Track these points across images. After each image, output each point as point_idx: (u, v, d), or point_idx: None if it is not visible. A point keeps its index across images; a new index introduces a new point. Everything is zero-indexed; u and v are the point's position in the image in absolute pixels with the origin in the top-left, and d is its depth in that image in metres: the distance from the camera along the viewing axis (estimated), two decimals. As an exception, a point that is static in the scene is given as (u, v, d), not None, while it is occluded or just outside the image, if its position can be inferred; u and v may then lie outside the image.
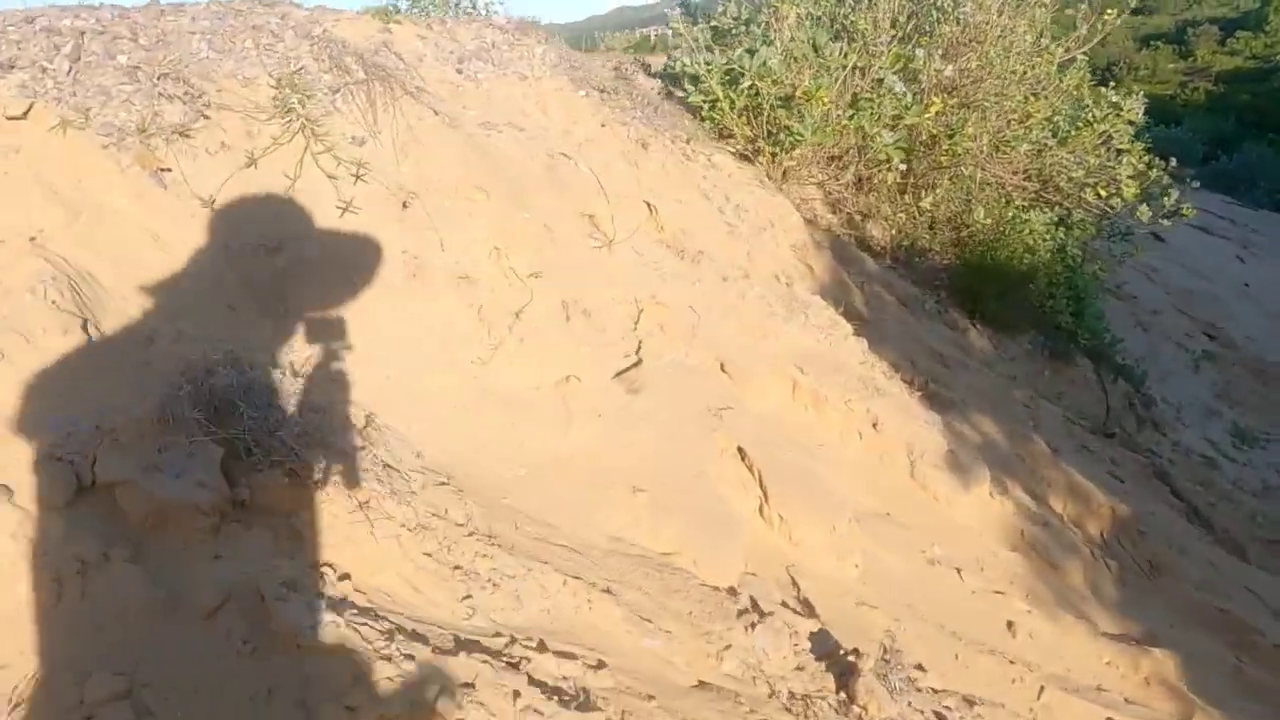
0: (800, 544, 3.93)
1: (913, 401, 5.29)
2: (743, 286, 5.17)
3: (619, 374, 3.86)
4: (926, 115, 7.47)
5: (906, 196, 7.81)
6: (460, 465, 3.13)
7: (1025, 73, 8.02)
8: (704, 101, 6.96)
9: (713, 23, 8.03)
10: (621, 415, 3.66)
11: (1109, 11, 8.61)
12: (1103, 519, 5.28)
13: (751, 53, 7.12)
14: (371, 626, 2.24)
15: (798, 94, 6.74)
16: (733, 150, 7.18)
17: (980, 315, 7.35)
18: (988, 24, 7.81)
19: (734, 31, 7.81)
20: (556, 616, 2.66)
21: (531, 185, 3.89)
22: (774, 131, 7.03)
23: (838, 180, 7.69)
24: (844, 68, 6.93)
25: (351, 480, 2.44)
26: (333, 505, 2.39)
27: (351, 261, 3.18)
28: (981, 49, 7.66)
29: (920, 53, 7.55)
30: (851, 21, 7.69)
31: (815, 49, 7.12)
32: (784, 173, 7.06)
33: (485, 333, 3.46)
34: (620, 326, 4.04)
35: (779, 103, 6.87)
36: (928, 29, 7.86)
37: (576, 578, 2.81)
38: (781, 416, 4.81)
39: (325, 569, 2.36)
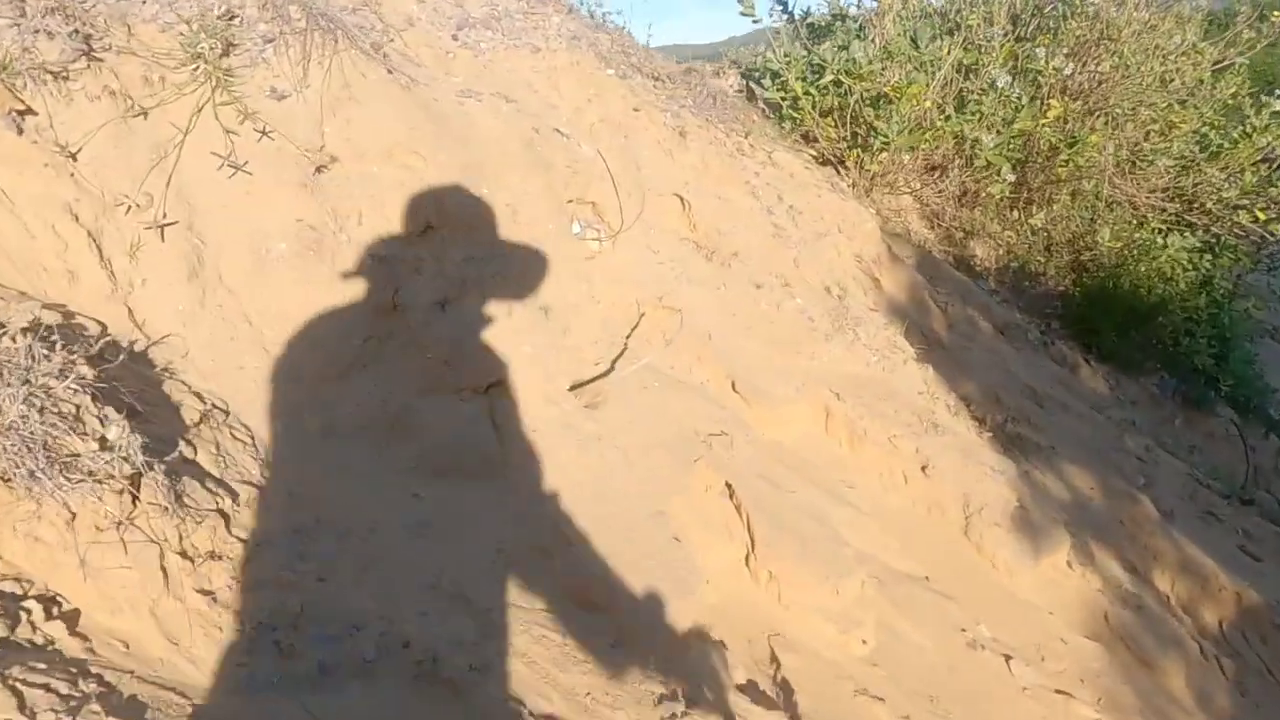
0: (791, 607, 3.04)
1: (980, 443, 4.24)
2: (779, 296, 4.26)
3: (577, 386, 3.04)
4: (1043, 121, 6.29)
5: (1016, 213, 6.63)
6: (320, 488, 2.38)
7: (1170, 78, 6.67)
8: (782, 99, 6.03)
9: (808, 19, 7.08)
10: (567, 435, 2.87)
11: (1275, 13, 7.17)
12: (1224, 606, 4.06)
13: (843, 48, 6.13)
14: (53, 689, 1.52)
15: (887, 91, 5.71)
16: (814, 153, 6.22)
17: (1097, 350, 6.12)
18: (1125, 21, 6.53)
19: (831, 28, 6.85)
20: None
21: (500, 162, 3.16)
22: (860, 134, 6.03)
23: (937, 191, 6.59)
24: (944, 64, 5.84)
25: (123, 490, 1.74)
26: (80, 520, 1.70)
27: (225, 230, 2.48)
28: (1115, 48, 6.40)
29: (1040, 51, 6.38)
30: (962, 16, 6.58)
31: (915, 43, 6.06)
32: (871, 179, 6.04)
33: (396, 324, 2.70)
34: (596, 330, 3.25)
35: (867, 102, 5.87)
36: (1051, 25, 6.67)
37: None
38: (804, 450, 3.87)
39: (42, 602, 1.66)
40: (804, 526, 3.33)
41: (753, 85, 6.51)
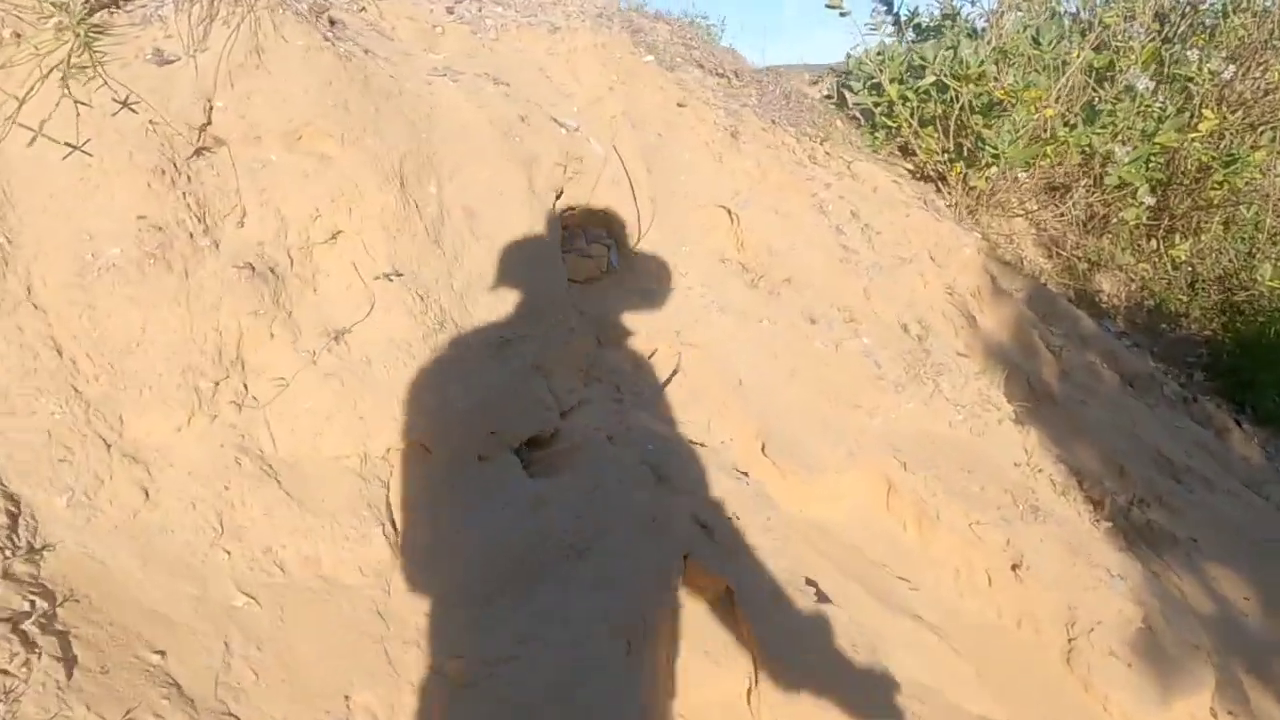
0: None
1: (1094, 534, 3.13)
2: (839, 333, 3.25)
3: (521, 447, 2.14)
4: (1193, 135, 5.03)
5: (1154, 242, 5.38)
6: (94, 578, 1.58)
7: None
8: (875, 104, 5.00)
9: (915, 20, 6.00)
10: (495, 515, 1.95)
11: None
12: None
13: (951, 47, 5.06)
14: None
15: (999, 96, 4.61)
16: (910, 167, 5.14)
17: (1252, 410, 4.83)
18: (1301, 19, 5.22)
19: (941, 28, 5.76)
20: None
21: (462, 154, 2.31)
22: (967, 146, 4.93)
23: (1058, 214, 5.40)
24: (1072, 65, 4.70)
25: None
26: None
27: (45, 227, 1.72)
28: (1287, 51, 5.10)
29: (1193, 54, 5.13)
30: (1097, 14, 5.39)
31: (1036, 42, 4.93)
32: (977, 198, 4.93)
33: (271, 355, 1.87)
34: (577, 370, 2.32)
35: (976, 109, 4.78)
36: (1206, 24, 5.39)
37: None
38: (853, 535, 2.89)
39: None
40: (834, 647, 2.31)
41: (844, 90, 5.47)
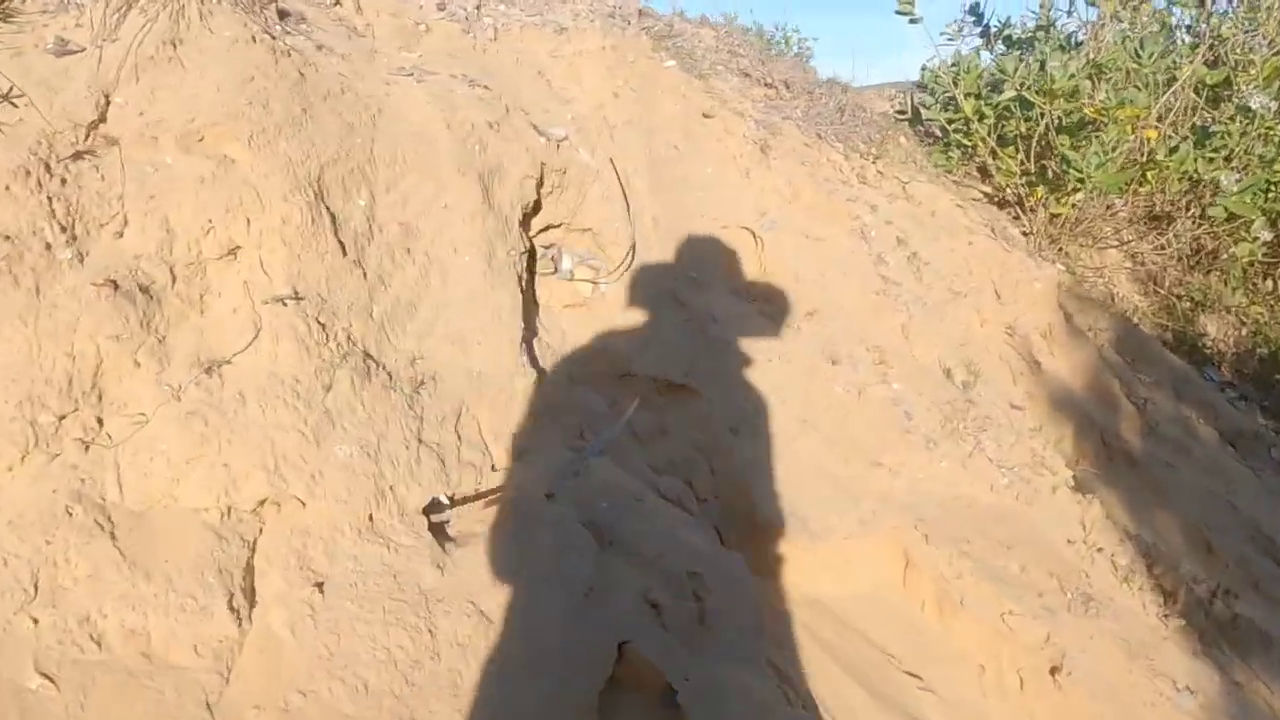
0: None
1: (1162, 634, 2.58)
2: (865, 376, 2.75)
3: (433, 508, 1.74)
4: (1322, 161, 4.27)
5: (1270, 282, 4.59)
6: None
7: None
8: (949, 121, 4.42)
9: (1005, 32, 5.36)
10: (380, 594, 1.55)
11: None
12: None
13: (1039, 61, 4.45)
14: None
15: (1089, 113, 3.98)
16: (987, 190, 4.54)
17: (1384, 482, 4.01)
18: None
19: (1034, 39, 5.12)
20: None
21: (407, 162, 1.96)
22: (1051, 168, 4.31)
23: (1157, 247, 4.68)
24: (1181, 80, 4.02)
25: None
26: None
27: None
28: None
29: (1333, 69, 4.36)
30: (1212, 26, 4.66)
31: (1137, 56, 4.26)
32: (1061, 226, 4.29)
33: (134, 387, 1.54)
34: (530, 417, 1.93)
35: (1063, 127, 4.15)
36: (1346, 34, 4.59)
37: None
38: (860, 617, 2.39)
39: None
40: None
41: (918, 106, 4.89)
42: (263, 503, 1.74)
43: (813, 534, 2.47)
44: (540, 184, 2.48)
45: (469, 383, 2.07)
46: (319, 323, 1.86)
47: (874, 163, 3.86)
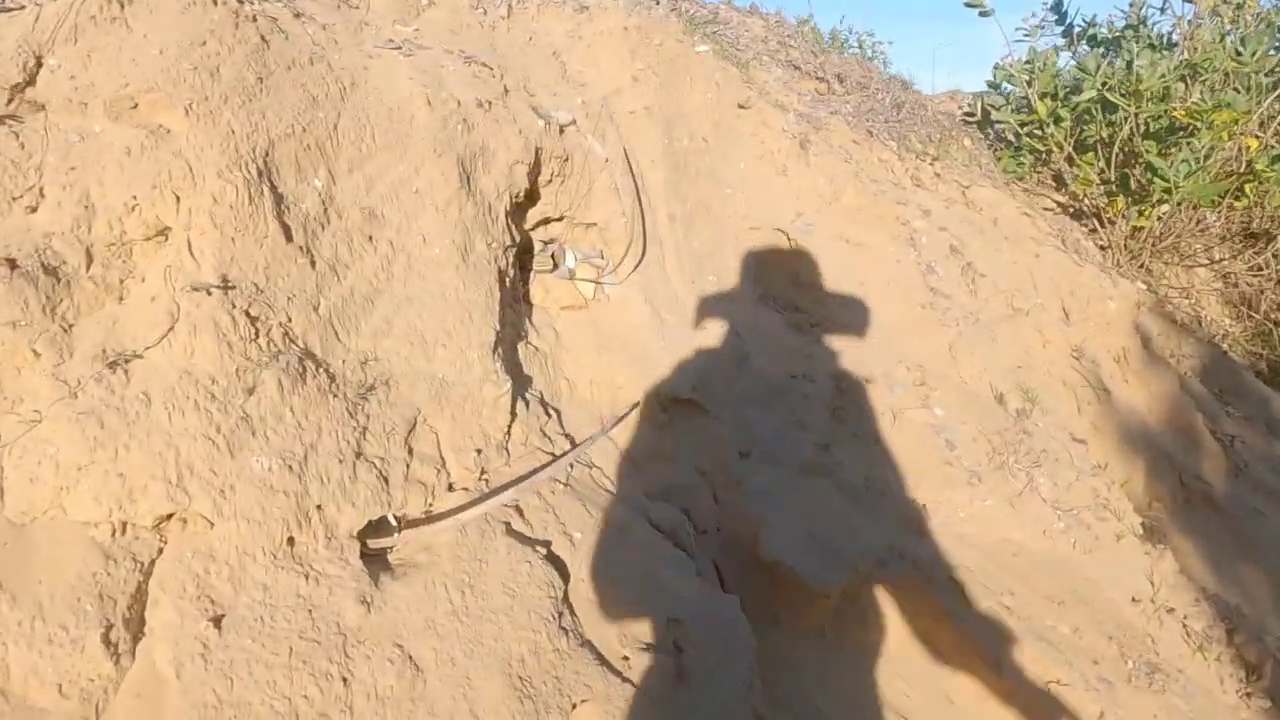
0: None
1: (1242, 715, 2.07)
2: (904, 400, 2.40)
3: (379, 530, 1.47)
4: None
5: (1384, 309, 4.04)
6: None
7: None
8: (1022, 124, 3.98)
9: (1090, 31, 4.86)
10: (287, 633, 1.28)
11: None
12: None
13: (1127, 61, 4.00)
14: None
15: (1179, 116, 3.51)
16: (1061, 200, 4.08)
17: None
18: None
19: (1122, 39, 4.62)
20: None
21: (376, 140, 1.70)
22: (1135, 177, 3.84)
23: (1253, 267, 4.15)
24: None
25: None
26: None
27: None
28: None
29: None
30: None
31: (1238, 55, 3.76)
32: (1143, 240, 3.81)
33: (31, 381, 1.30)
34: (486, 432, 1.64)
35: (1149, 132, 3.69)
36: None
37: None
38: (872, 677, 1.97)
39: None
40: None
41: (987, 107, 4.44)
42: (163, 520, 1.46)
43: (828, 576, 2.10)
44: (535, 171, 2.18)
45: (429, 390, 1.78)
46: (248, 315, 1.58)
47: (931, 164, 3.45)
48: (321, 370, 1.67)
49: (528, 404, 2.02)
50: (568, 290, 2.34)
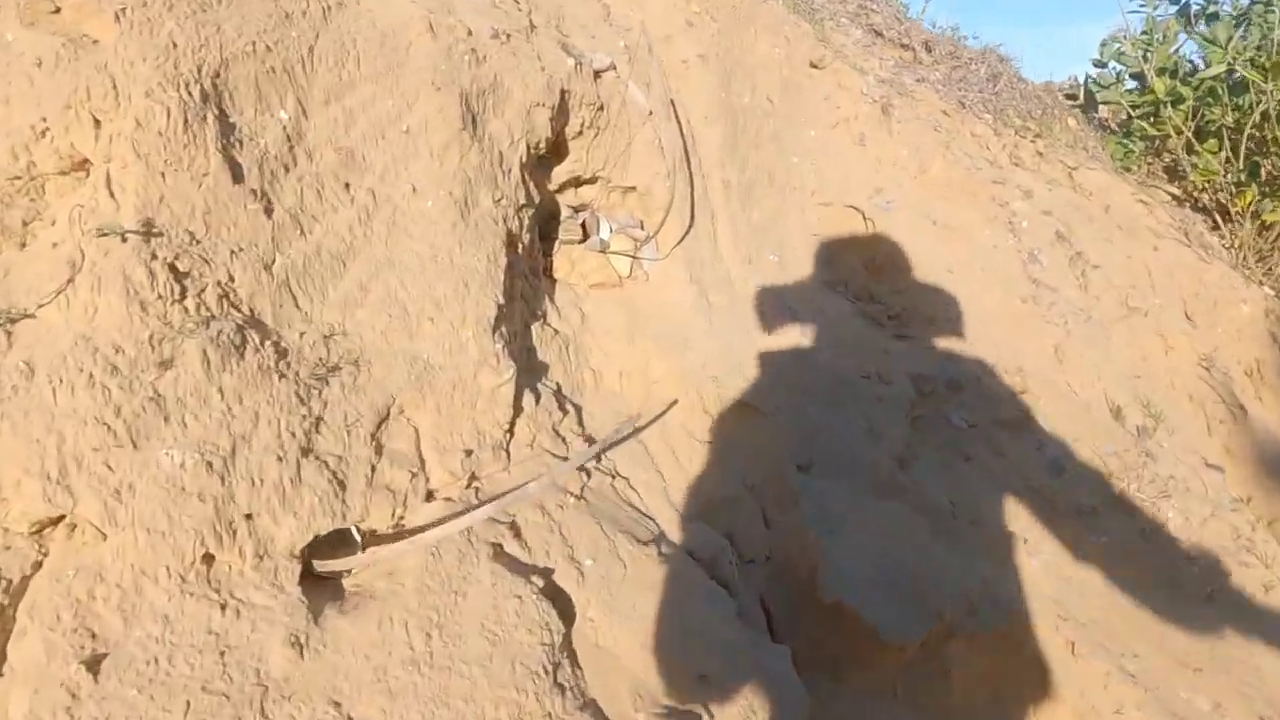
0: None
1: None
2: (997, 410, 1.87)
3: (328, 551, 1.07)
4: None
5: None
6: None
7: None
8: (1133, 105, 3.43)
9: (1210, 8, 4.24)
10: (222, 663, 0.91)
11: None
12: None
13: (1262, 33, 3.43)
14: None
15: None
16: (1176, 192, 3.51)
17: None
18: None
19: (1248, 13, 4.00)
20: None
21: (358, 68, 1.27)
22: (1267, 168, 3.26)
23: None
24: None
25: None
26: None
27: None
28: None
29: None
30: None
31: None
32: (1275, 240, 3.23)
33: None
34: (480, 427, 1.23)
35: (1284, 115, 3.15)
36: None
37: None
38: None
39: None
40: None
41: (1091, 88, 3.87)
42: (42, 527, 1.08)
43: (904, 625, 1.63)
44: (561, 118, 1.76)
45: (408, 373, 1.37)
46: (174, 270, 1.20)
47: (1033, 141, 2.93)
48: (268, 343, 1.28)
49: (538, 396, 1.60)
50: (599, 264, 1.92)
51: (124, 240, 1.24)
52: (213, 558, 1.19)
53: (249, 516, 1.22)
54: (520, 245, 1.69)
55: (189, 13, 1.41)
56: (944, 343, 2.18)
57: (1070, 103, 4.09)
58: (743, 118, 2.23)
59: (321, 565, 1.28)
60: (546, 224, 1.93)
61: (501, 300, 1.57)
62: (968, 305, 2.28)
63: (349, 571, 1.33)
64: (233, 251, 1.34)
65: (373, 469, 1.35)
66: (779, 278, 2.14)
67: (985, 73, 3.11)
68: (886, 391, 2.02)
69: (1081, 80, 4.23)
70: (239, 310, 1.32)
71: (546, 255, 1.90)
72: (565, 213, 1.99)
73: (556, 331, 1.79)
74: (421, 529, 1.36)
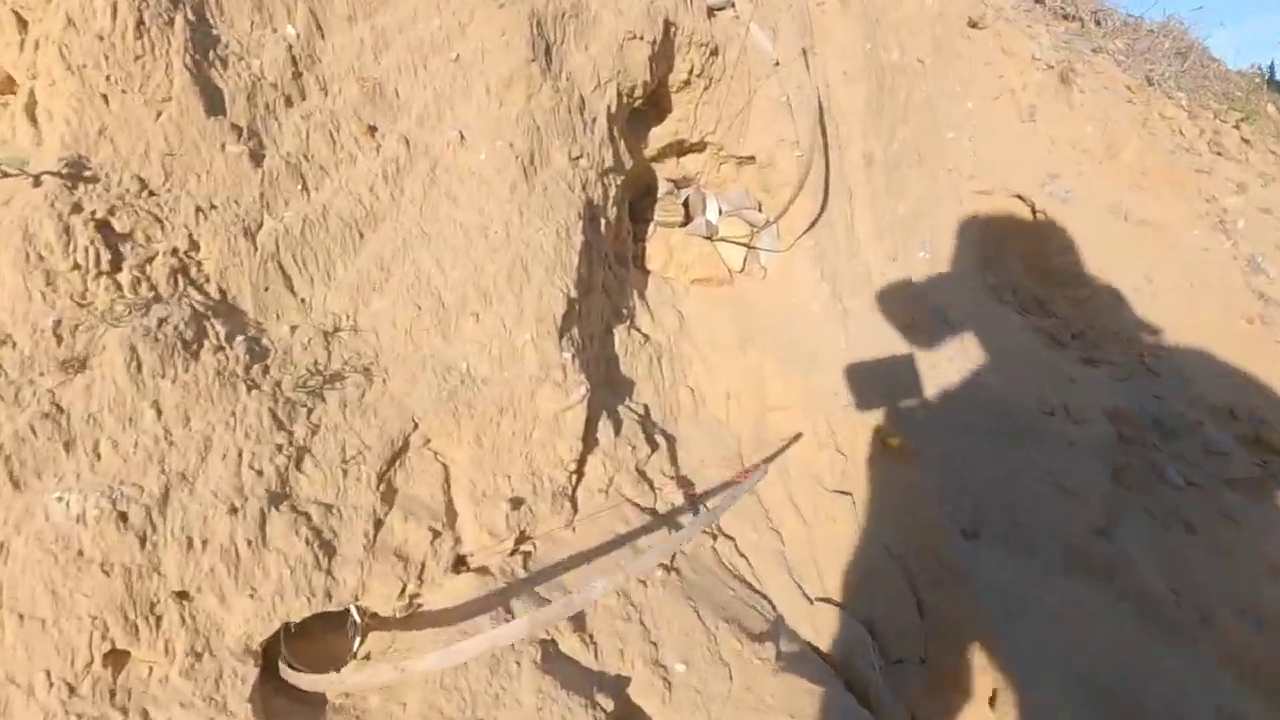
0: None
1: None
2: (1225, 461, 1.27)
3: (312, 642, 0.63)
4: None
5: None
6: None
7: None
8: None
9: None
10: None
11: None
12: None
13: None
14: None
15: None
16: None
17: None
18: None
19: None
20: None
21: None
22: None
23: None
24: None
25: None
26: None
27: None
28: None
29: None
30: None
31: None
32: None
33: None
34: (540, 459, 0.77)
35: None
36: None
37: None
38: None
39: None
40: None
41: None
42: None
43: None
44: (664, 61, 1.29)
45: (440, 388, 0.92)
46: (105, 231, 0.78)
47: (1236, 127, 2.31)
48: (239, 340, 0.84)
49: (619, 424, 1.13)
50: (704, 254, 1.44)
51: (36, 184, 0.81)
52: (123, 657, 0.75)
53: (182, 595, 0.77)
54: (604, 221, 1.22)
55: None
56: (1148, 371, 1.61)
57: (1271, 82, 3.39)
58: (890, 76, 1.71)
59: (295, 677, 0.83)
60: (639, 200, 1.46)
61: (574, 292, 1.10)
62: (1174, 324, 1.71)
63: (336, 680, 0.87)
64: (200, 209, 0.91)
65: (377, 524, 0.90)
66: (931, 279, 1.61)
67: (1170, 48, 2.49)
68: (1078, 433, 1.46)
69: (1267, 67, 3.51)
70: (201, 291, 0.89)
71: (638, 240, 1.42)
72: (664, 187, 1.51)
73: (647, 338, 1.31)
74: (442, 616, 0.90)
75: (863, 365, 1.44)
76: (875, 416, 1.41)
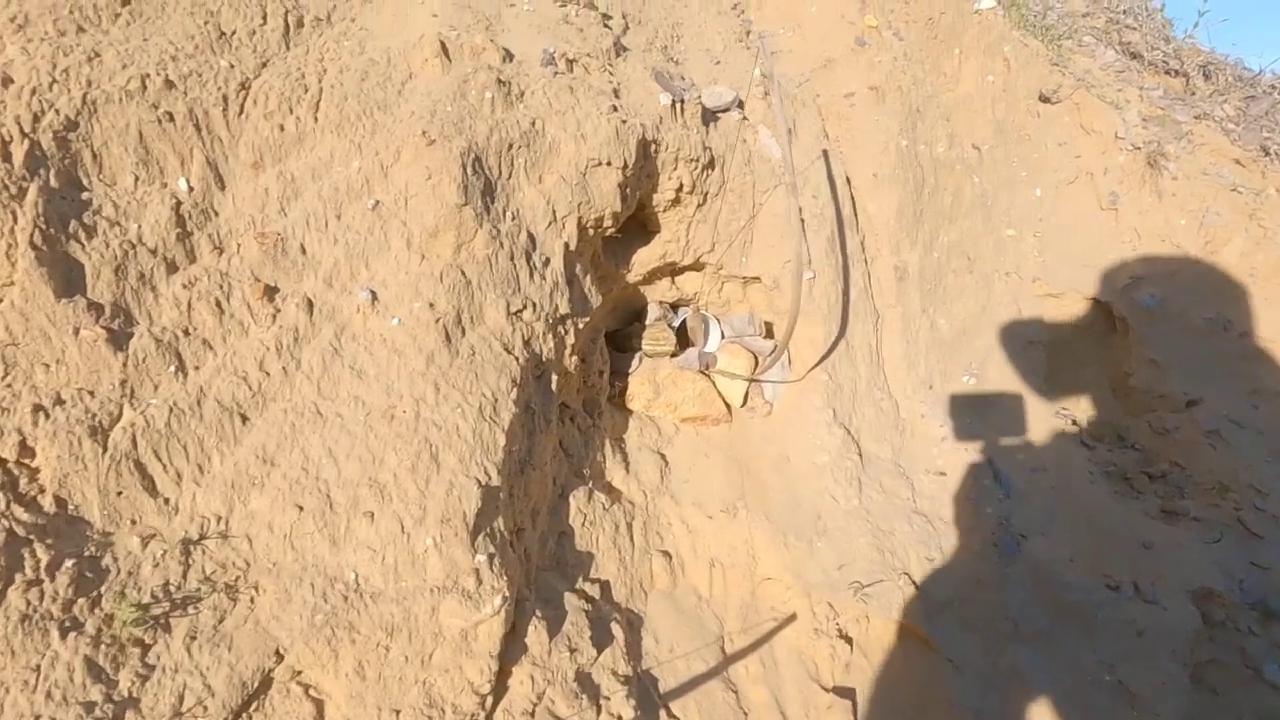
0: None
1: None
2: None
3: None
4: None
5: None
6: None
7: None
8: None
9: None
10: None
11: None
12: None
13: None
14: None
15: None
16: None
17: None
18: None
19: None
20: None
21: (293, 111, 0.74)
22: None
23: None
24: None
25: None
26: None
27: None
28: None
29: None
30: None
31: None
32: None
33: None
34: (444, 689, 0.60)
35: None
36: None
37: None
38: None
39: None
40: None
41: None
42: None
43: None
44: (638, 181, 1.08)
45: (316, 607, 0.74)
46: None
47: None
48: (66, 566, 0.70)
49: (557, 623, 0.92)
50: (699, 390, 1.21)
51: None
52: None
53: None
54: (556, 375, 1.00)
55: (50, 34, 0.85)
56: (1247, 532, 1.26)
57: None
58: (933, 176, 1.43)
59: None
60: (620, 329, 1.24)
61: (497, 479, 0.89)
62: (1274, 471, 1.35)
63: None
64: (41, 407, 0.75)
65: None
66: (976, 411, 1.32)
67: (1241, 93, 2.09)
68: (1149, 617, 1.15)
69: None
70: (30, 508, 0.73)
71: (619, 376, 1.20)
72: (654, 312, 1.29)
73: (616, 497, 1.08)
74: None
75: (878, 531, 1.17)
76: (889, 598, 1.14)
